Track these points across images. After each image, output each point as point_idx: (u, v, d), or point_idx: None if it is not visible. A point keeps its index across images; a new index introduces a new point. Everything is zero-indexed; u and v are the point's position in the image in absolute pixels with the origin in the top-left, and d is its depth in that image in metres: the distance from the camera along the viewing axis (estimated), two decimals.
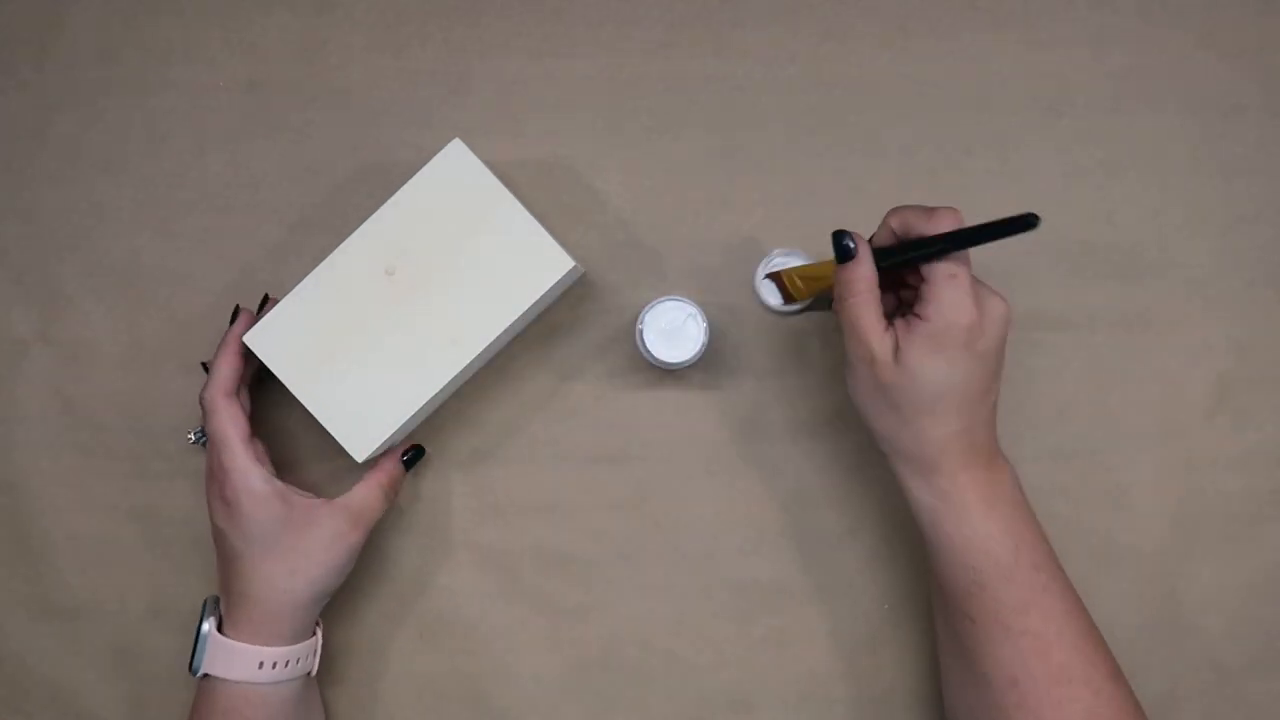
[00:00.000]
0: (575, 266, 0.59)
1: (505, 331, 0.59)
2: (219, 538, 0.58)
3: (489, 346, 0.59)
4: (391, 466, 0.62)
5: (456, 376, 0.59)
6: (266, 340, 0.59)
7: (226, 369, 0.58)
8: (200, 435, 0.65)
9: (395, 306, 0.59)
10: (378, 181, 0.66)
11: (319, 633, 0.61)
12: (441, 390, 0.59)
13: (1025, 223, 0.49)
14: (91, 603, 0.65)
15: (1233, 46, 0.66)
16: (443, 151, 0.59)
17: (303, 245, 0.66)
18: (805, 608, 0.65)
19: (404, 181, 0.63)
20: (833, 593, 0.65)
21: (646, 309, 0.62)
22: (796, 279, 0.61)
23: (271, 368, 0.59)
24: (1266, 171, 0.66)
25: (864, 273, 0.53)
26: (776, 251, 0.65)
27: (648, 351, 0.61)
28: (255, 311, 0.61)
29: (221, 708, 0.57)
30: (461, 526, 0.66)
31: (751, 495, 0.65)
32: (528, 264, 0.59)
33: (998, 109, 0.66)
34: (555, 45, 0.67)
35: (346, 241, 0.59)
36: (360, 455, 0.59)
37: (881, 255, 0.53)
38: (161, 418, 0.66)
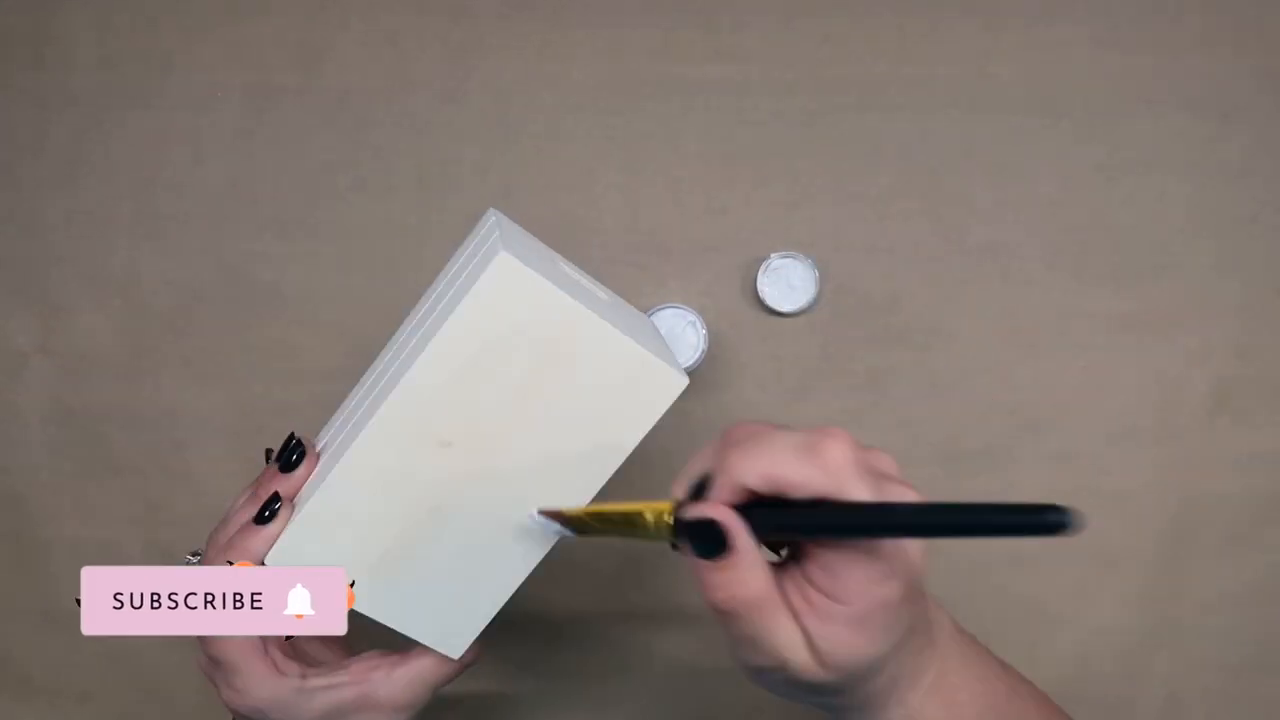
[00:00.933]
0: (686, 382, 0.46)
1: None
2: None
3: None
4: (459, 668, 0.50)
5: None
6: (292, 558, 0.45)
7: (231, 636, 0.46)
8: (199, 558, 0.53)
9: (458, 484, 0.45)
10: (377, 187, 0.66)
11: None
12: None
13: (1043, 522, 0.32)
14: None
15: (1232, 48, 0.66)
16: (488, 269, 0.42)
17: (303, 255, 0.66)
18: None
19: (403, 186, 0.63)
20: None
21: (646, 316, 0.62)
22: (588, 520, 0.44)
23: (359, 606, 0.47)
24: (1266, 173, 0.66)
25: (755, 579, 0.37)
26: (775, 255, 0.65)
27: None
28: (277, 456, 0.48)
29: None
30: None
31: None
32: (629, 389, 0.45)
33: (996, 110, 0.66)
34: (553, 50, 0.67)
35: (375, 418, 0.44)
36: (457, 652, 0.48)
37: (761, 525, 0.37)
38: (162, 428, 0.66)
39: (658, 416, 0.47)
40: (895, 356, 0.66)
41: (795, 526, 0.37)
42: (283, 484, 0.46)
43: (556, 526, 0.46)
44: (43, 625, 0.66)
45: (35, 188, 0.67)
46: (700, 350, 0.60)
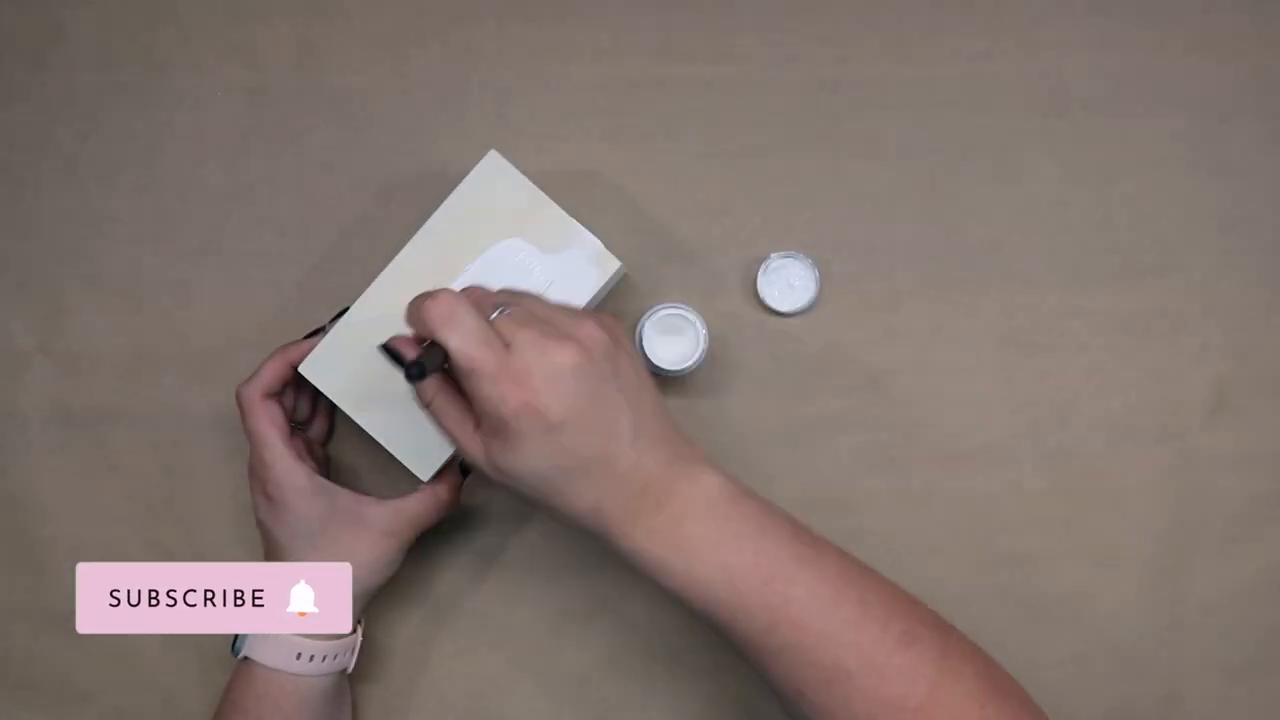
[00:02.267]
0: (620, 267, 0.59)
1: None
2: (264, 534, 0.58)
3: None
4: (454, 482, 0.61)
5: None
6: (321, 368, 0.58)
7: (269, 371, 0.58)
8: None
9: None
10: (377, 188, 0.66)
11: (359, 631, 0.60)
12: None
13: (425, 366, 0.46)
14: None
15: (1230, 49, 0.66)
16: (479, 165, 0.58)
17: (303, 255, 0.66)
18: None
19: (402, 186, 0.64)
20: None
21: (646, 316, 0.62)
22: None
23: (329, 395, 0.58)
24: (1264, 173, 0.66)
25: (427, 391, 0.50)
26: (775, 255, 0.65)
27: (647, 358, 0.61)
28: (317, 333, 0.60)
29: (256, 691, 0.57)
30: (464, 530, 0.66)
31: None
32: (576, 269, 0.59)
33: (996, 111, 0.66)
34: (553, 51, 0.67)
35: (392, 262, 0.58)
36: (425, 474, 0.59)
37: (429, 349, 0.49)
38: (163, 428, 0.66)
39: (599, 285, 0.59)
40: (895, 356, 0.65)
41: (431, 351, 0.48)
42: (328, 328, 0.59)
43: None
44: (43, 625, 0.66)
45: (35, 188, 0.67)
46: (701, 349, 0.61)
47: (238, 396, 0.58)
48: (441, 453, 0.59)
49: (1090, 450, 0.65)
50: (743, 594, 0.48)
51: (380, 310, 0.57)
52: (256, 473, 0.57)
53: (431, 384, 0.50)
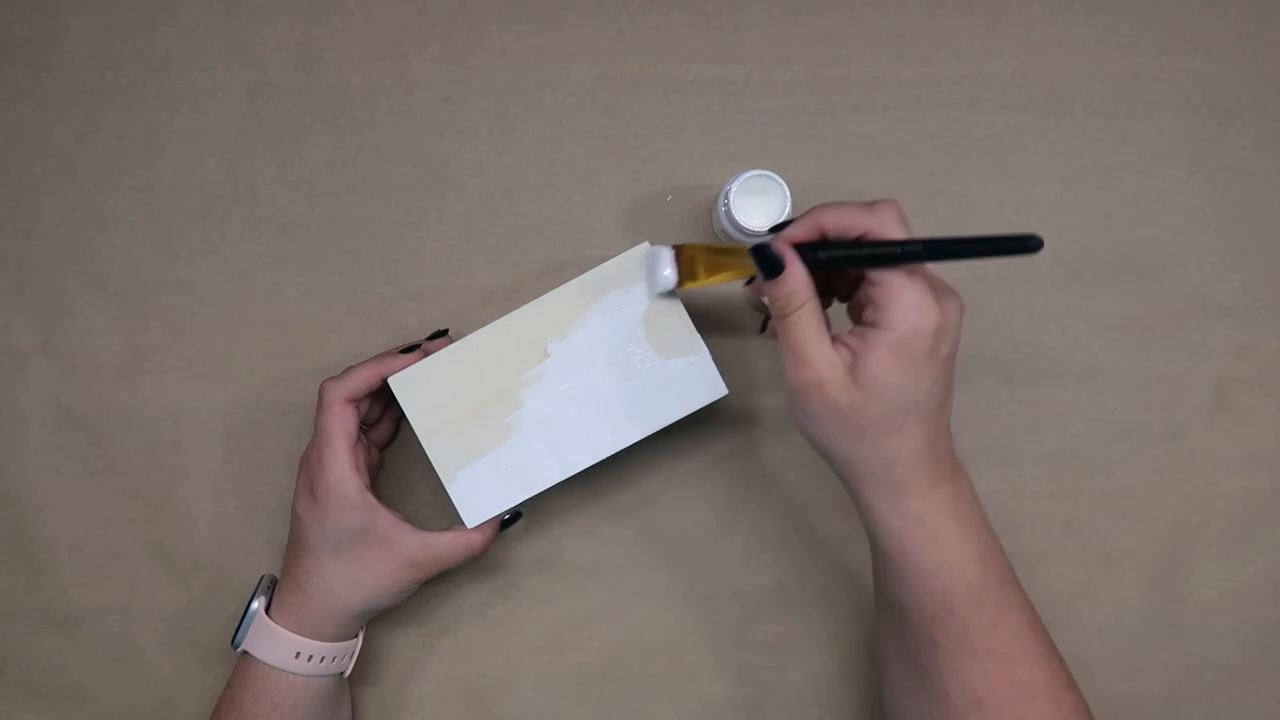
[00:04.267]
0: (724, 394, 0.58)
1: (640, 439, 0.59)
2: (295, 524, 0.58)
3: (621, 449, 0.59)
4: (489, 533, 0.60)
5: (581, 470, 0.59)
6: (411, 386, 0.58)
7: (360, 378, 0.58)
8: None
9: (543, 388, 0.58)
10: (377, 188, 0.66)
11: (360, 636, 0.61)
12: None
13: (1025, 244, 0.44)
14: (93, 612, 0.66)
15: (1229, 49, 0.66)
16: (629, 251, 0.57)
17: (303, 255, 0.66)
18: (807, 613, 0.65)
19: (402, 186, 0.63)
20: (834, 597, 0.65)
21: (730, 182, 0.61)
22: (700, 258, 0.55)
23: (408, 414, 0.58)
24: (1264, 173, 0.66)
25: (799, 284, 0.48)
26: None
27: (738, 223, 0.61)
28: (413, 349, 0.60)
29: (254, 687, 0.57)
30: None
31: (752, 501, 0.65)
32: (684, 381, 0.58)
33: (996, 111, 0.66)
34: (553, 50, 0.67)
35: (515, 312, 0.58)
36: (472, 522, 0.59)
37: (813, 255, 0.48)
38: (162, 428, 0.66)
39: (698, 406, 0.58)
40: None
41: (840, 257, 0.48)
42: (425, 346, 0.60)
43: (669, 265, 0.55)
44: (43, 625, 0.66)
45: (35, 188, 0.67)
46: (788, 209, 0.61)
47: (321, 391, 0.58)
48: (495, 505, 0.58)
49: (1090, 450, 0.65)
50: (987, 583, 0.49)
51: (485, 352, 0.58)
52: (311, 468, 0.57)
53: (807, 290, 0.48)
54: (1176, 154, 0.66)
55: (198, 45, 0.67)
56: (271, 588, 0.59)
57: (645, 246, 0.57)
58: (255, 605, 0.58)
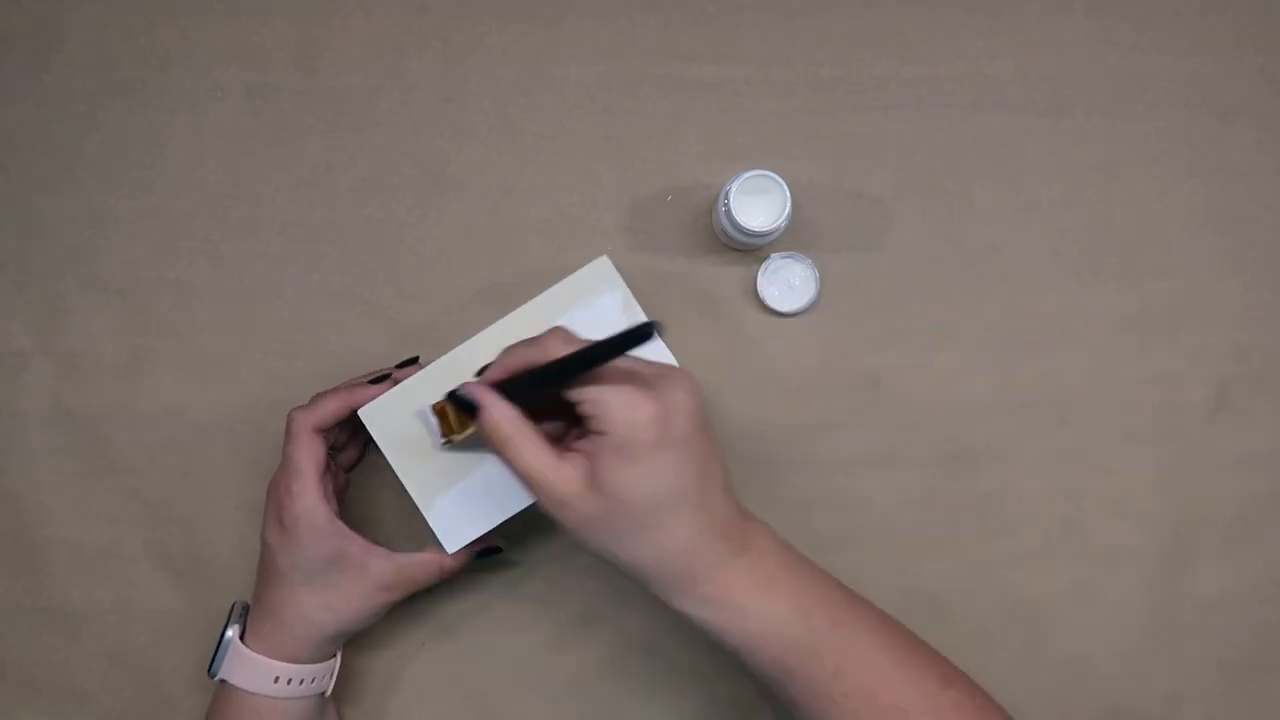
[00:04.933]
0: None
1: None
2: (266, 552, 0.58)
3: None
4: (463, 557, 0.59)
5: None
6: (381, 417, 0.57)
7: (329, 408, 0.57)
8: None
9: None
10: (377, 188, 0.66)
11: (338, 656, 0.61)
12: None
13: (643, 334, 0.45)
14: (93, 613, 0.65)
15: (1230, 49, 0.66)
16: (588, 266, 0.58)
17: (303, 255, 0.66)
18: None
19: (402, 186, 0.63)
20: None
21: (730, 182, 0.61)
22: (449, 411, 0.54)
23: (381, 446, 0.57)
24: (1264, 173, 0.66)
25: (498, 416, 0.48)
26: (775, 256, 0.65)
27: (738, 223, 0.60)
28: (383, 379, 0.59)
29: (235, 715, 0.57)
30: None
31: (751, 501, 0.65)
32: None
33: (996, 111, 0.66)
34: (553, 50, 0.67)
35: (476, 336, 0.57)
36: (453, 548, 0.58)
37: (514, 387, 0.49)
38: (162, 428, 0.66)
39: None
40: (895, 356, 0.66)
41: (527, 383, 0.49)
42: (395, 374, 0.59)
43: (434, 424, 0.56)
44: (43, 625, 0.66)
45: (35, 187, 0.67)
46: (788, 209, 0.60)
47: (289, 420, 0.57)
48: (475, 529, 0.58)
49: (1090, 450, 0.65)
50: (816, 634, 0.49)
51: (451, 378, 0.55)
52: (280, 497, 0.57)
53: (510, 420, 0.48)
54: (1176, 154, 0.66)
55: (198, 45, 0.67)
56: (244, 614, 0.59)
57: (605, 260, 0.58)
58: (230, 634, 0.58)
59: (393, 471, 0.58)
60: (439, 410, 0.55)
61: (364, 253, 0.66)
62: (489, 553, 0.61)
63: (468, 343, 0.58)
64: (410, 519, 0.60)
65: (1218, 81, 0.66)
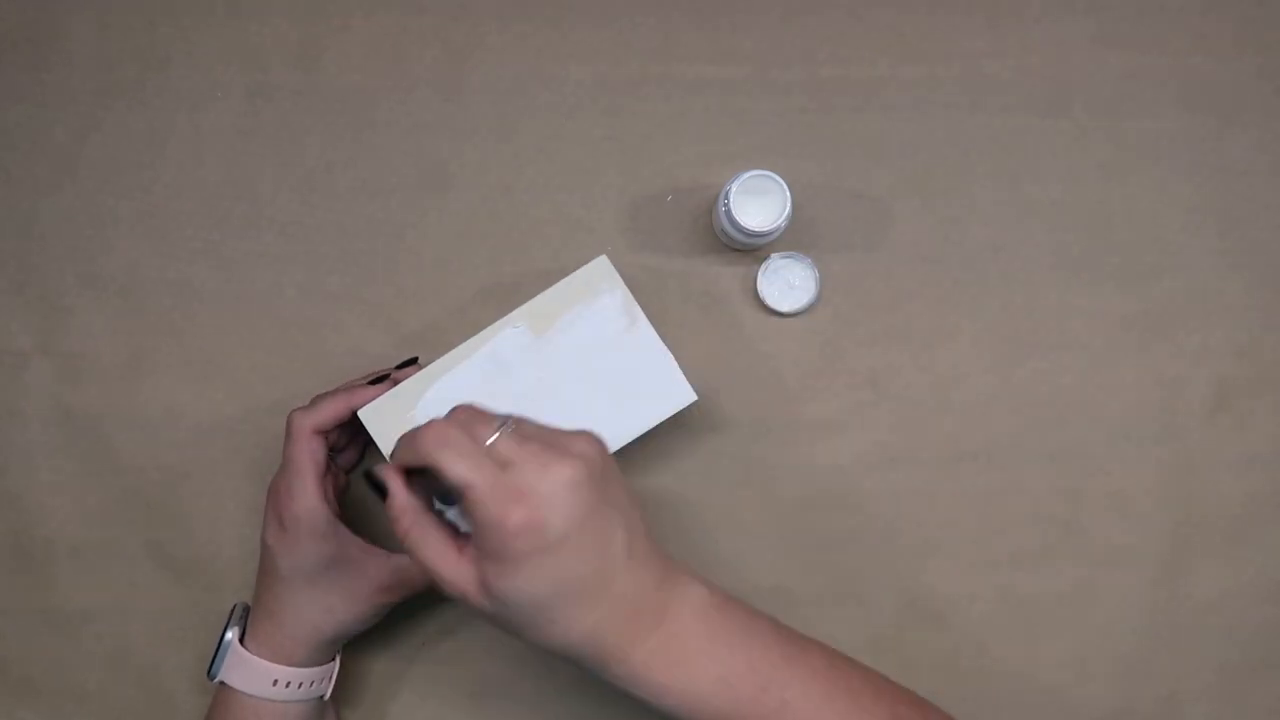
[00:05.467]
0: (694, 401, 0.59)
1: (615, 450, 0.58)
2: (265, 554, 0.58)
3: None
4: None
5: None
6: (381, 418, 0.58)
7: (330, 410, 0.57)
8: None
9: (513, 406, 0.55)
10: (377, 188, 0.66)
11: (337, 660, 0.61)
12: None
13: (376, 485, 0.48)
14: (93, 612, 0.66)
15: (1230, 49, 0.66)
16: (588, 265, 0.58)
17: (303, 255, 0.66)
18: (807, 613, 0.65)
19: (403, 186, 0.63)
20: (836, 598, 0.65)
21: (730, 181, 0.61)
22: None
23: (381, 447, 0.58)
24: (1265, 173, 0.66)
25: (401, 503, 0.48)
26: (775, 256, 0.65)
27: (738, 224, 0.60)
28: (382, 379, 0.60)
29: (234, 716, 0.57)
30: None
31: (752, 501, 0.65)
32: (652, 391, 0.58)
33: (995, 111, 0.66)
34: (553, 50, 0.67)
35: (476, 336, 0.58)
36: None
37: (418, 472, 0.48)
38: (162, 428, 0.66)
39: (668, 414, 0.59)
40: (895, 356, 0.66)
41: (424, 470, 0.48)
42: (395, 375, 0.60)
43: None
44: (43, 625, 0.66)
45: (35, 188, 0.67)
46: (787, 210, 0.60)
47: (290, 421, 0.57)
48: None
49: (1090, 450, 0.65)
50: (741, 703, 0.47)
51: (451, 378, 0.58)
52: (280, 498, 0.57)
53: (411, 513, 0.48)
54: (1176, 154, 0.66)
55: (198, 45, 0.67)
56: (244, 616, 0.59)
57: (605, 260, 0.58)
58: (230, 636, 0.58)
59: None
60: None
61: (364, 253, 0.66)
62: None
63: (467, 343, 0.58)
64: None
65: (1218, 81, 0.66)
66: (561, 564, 0.45)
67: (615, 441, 0.58)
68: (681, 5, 0.67)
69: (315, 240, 0.66)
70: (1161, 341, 0.65)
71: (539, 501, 0.44)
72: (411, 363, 0.61)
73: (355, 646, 0.64)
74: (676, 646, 0.47)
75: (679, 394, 0.58)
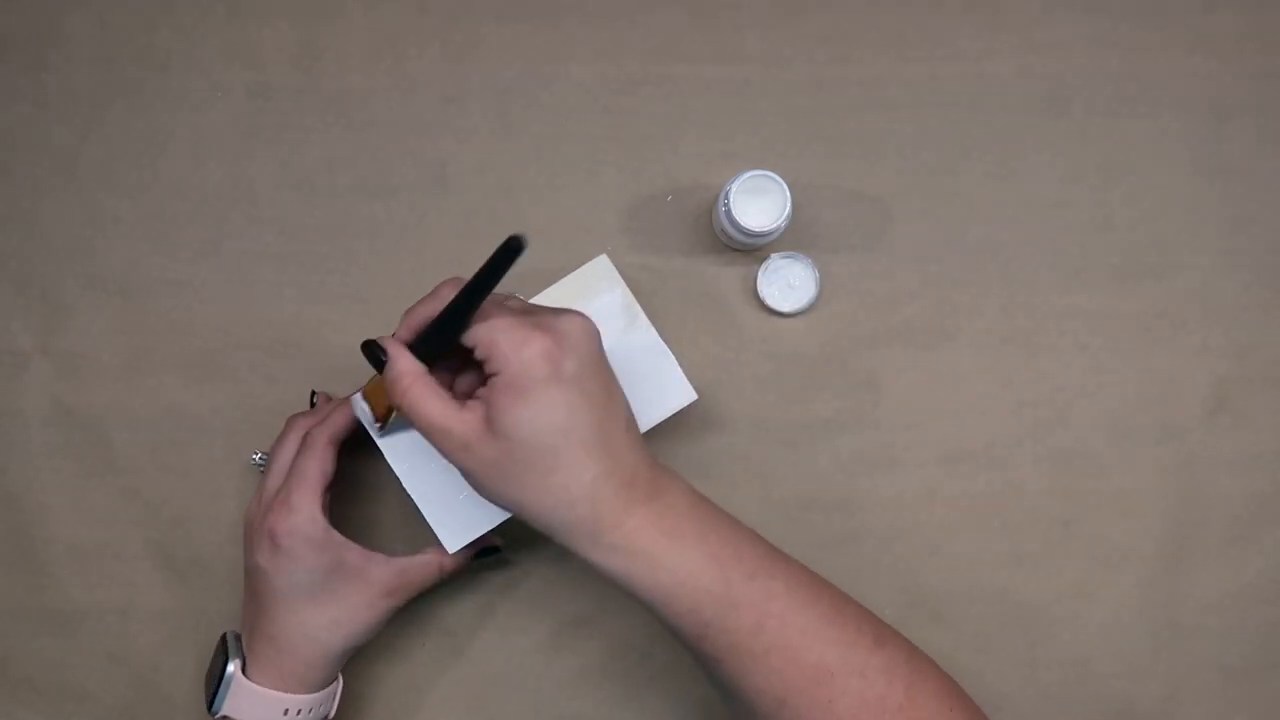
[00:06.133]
0: (694, 400, 0.58)
1: None
2: (257, 577, 0.56)
3: None
4: (462, 557, 0.59)
5: None
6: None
7: (343, 418, 0.57)
8: (264, 459, 0.62)
9: None
10: (377, 188, 0.66)
11: (340, 678, 0.60)
12: None
13: (510, 248, 0.46)
14: (93, 612, 0.65)
15: (1229, 49, 0.66)
16: (588, 265, 0.58)
17: (303, 255, 0.66)
18: None
19: (403, 186, 0.63)
20: None
21: (730, 182, 0.61)
22: (377, 393, 0.55)
23: (381, 446, 0.57)
24: (1264, 173, 0.66)
25: (403, 366, 0.48)
26: (775, 256, 0.65)
27: (738, 223, 0.60)
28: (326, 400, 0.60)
29: None
30: None
31: (752, 501, 0.65)
32: (652, 389, 0.58)
33: (995, 111, 0.66)
34: (553, 50, 0.67)
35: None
36: (453, 547, 0.58)
37: (419, 345, 0.50)
38: (162, 428, 0.66)
39: (669, 413, 0.58)
40: (895, 356, 0.66)
41: (431, 337, 0.49)
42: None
43: (367, 410, 0.55)
44: (43, 625, 0.66)
45: (35, 188, 0.67)
46: (788, 209, 0.60)
47: (307, 436, 0.57)
48: (475, 529, 0.58)
49: (1090, 450, 0.65)
50: (731, 585, 0.47)
51: None
52: (275, 512, 0.55)
53: (410, 374, 0.48)
54: (1176, 154, 0.66)
55: (198, 45, 0.67)
56: (238, 645, 0.57)
57: (604, 259, 0.58)
58: (232, 668, 0.56)
59: (392, 472, 0.58)
60: (368, 394, 0.55)
61: (364, 253, 0.66)
62: (488, 552, 0.61)
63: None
64: (410, 520, 0.60)
65: (1218, 81, 0.66)
66: (573, 401, 0.46)
67: None
68: (681, 5, 0.67)
69: (315, 240, 0.66)
70: (1161, 341, 0.65)
71: (558, 337, 0.46)
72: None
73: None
74: (671, 518, 0.48)
75: (679, 393, 0.58)
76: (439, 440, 0.48)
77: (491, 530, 0.58)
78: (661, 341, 0.58)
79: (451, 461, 0.48)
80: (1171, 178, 0.66)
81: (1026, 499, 0.65)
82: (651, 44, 0.67)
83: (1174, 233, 0.66)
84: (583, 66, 0.67)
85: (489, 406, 0.46)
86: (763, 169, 0.61)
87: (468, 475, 0.48)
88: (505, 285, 0.66)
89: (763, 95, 0.66)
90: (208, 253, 0.66)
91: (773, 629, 0.48)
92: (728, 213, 0.61)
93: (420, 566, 0.58)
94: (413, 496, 0.58)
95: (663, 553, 0.47)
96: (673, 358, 0.58)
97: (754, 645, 0.47)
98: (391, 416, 0.55)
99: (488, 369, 0.47)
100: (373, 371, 0.52)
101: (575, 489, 0.47)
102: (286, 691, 0.56)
